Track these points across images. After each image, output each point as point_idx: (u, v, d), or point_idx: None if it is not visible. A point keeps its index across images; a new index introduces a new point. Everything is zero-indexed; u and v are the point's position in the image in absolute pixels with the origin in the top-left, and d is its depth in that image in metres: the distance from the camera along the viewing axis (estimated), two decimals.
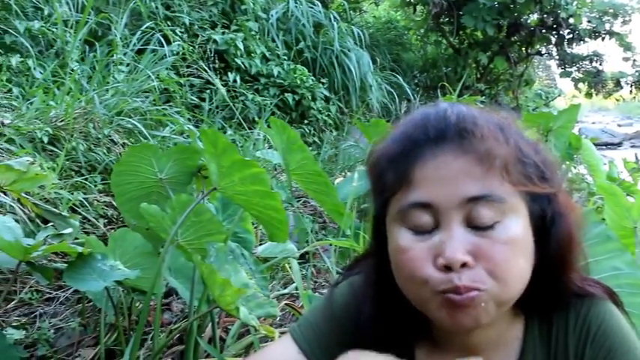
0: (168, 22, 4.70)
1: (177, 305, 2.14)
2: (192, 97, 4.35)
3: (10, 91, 2.97)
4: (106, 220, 2.44)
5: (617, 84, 12.77)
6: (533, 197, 0.68)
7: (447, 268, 0.64)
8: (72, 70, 3.20)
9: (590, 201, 2.77)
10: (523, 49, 11.28)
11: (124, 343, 1.67)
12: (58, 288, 2.05)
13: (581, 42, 11.50)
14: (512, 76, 11.35)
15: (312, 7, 6.31)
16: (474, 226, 0.65)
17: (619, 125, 18.59)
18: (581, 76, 12.24)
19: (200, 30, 5.04)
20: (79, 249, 1.43)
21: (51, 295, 2.03)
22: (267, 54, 5.48)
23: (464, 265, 0.63)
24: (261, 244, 2.12)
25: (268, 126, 1.95)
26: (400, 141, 0.70)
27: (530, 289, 0.69)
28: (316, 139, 5.45)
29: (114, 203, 2.35)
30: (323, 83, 5.83)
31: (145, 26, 4.17)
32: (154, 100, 3.48)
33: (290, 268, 2.14)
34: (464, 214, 0.65)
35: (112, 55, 3.59)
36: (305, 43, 6.09)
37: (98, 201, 2.48)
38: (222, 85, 4.66)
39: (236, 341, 1.88)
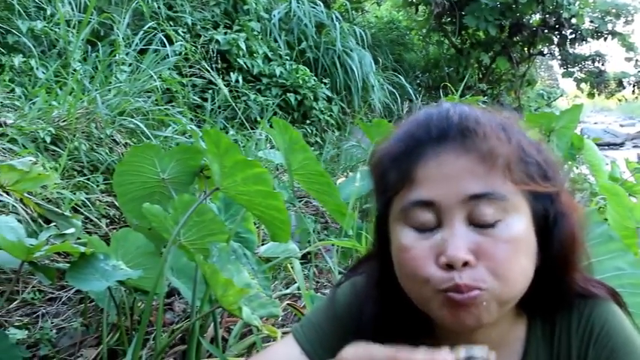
0: (171, 22, 4.71)
1: (180, 305, 2.14)
2: (194, 97, 4.35)
3: (12, 91, 2.98)
4: (108, 220, 2.45)
5: (620, 84, 12.73)
6: (535, 197, 0.68)
7: (449, 267, 0.63)
8: (74, 70, 3.21)
9: (593, 201, 2.76)
10: (525, 49, 11.28)
11: (126, 343, 1.67)
12: (61, 288, 2.06)
13: (584, 42, 11.50)
14: (514, 77, 11.35)
15: (314, 7, 6.31)
16: (476, 224, 0.65)
17: (621, 125, 18.60)
18: (583, 76, 12.22)
19: (202, 30, 5.05)
20: (82, 249, 1.44)
21: (53, 295, 2.04)
22: (270, 54, 5.49)
23: (466, 263, 0.63)
24: (263, 244, 2.12)
25: (270, 126, 1.95)
26: (403, 140, 0.70)
27: (533, 290, 0.69)
28: (318, 140, 5.45)
29: (116, 203, 2.35)
30: (325, 83, 5.83)
31: (147, 26, 4.17)
32: (157, 100, 3.48)
33: (292, 268, 2.14)
34: (466, 213, 0.65)
35: (115, 55, 3.60)
36: (307, 43, 6.10)
37: (100, 201, 2.49)
38: (224, 85, 4.67)
39: (238, 341, 1.87)
